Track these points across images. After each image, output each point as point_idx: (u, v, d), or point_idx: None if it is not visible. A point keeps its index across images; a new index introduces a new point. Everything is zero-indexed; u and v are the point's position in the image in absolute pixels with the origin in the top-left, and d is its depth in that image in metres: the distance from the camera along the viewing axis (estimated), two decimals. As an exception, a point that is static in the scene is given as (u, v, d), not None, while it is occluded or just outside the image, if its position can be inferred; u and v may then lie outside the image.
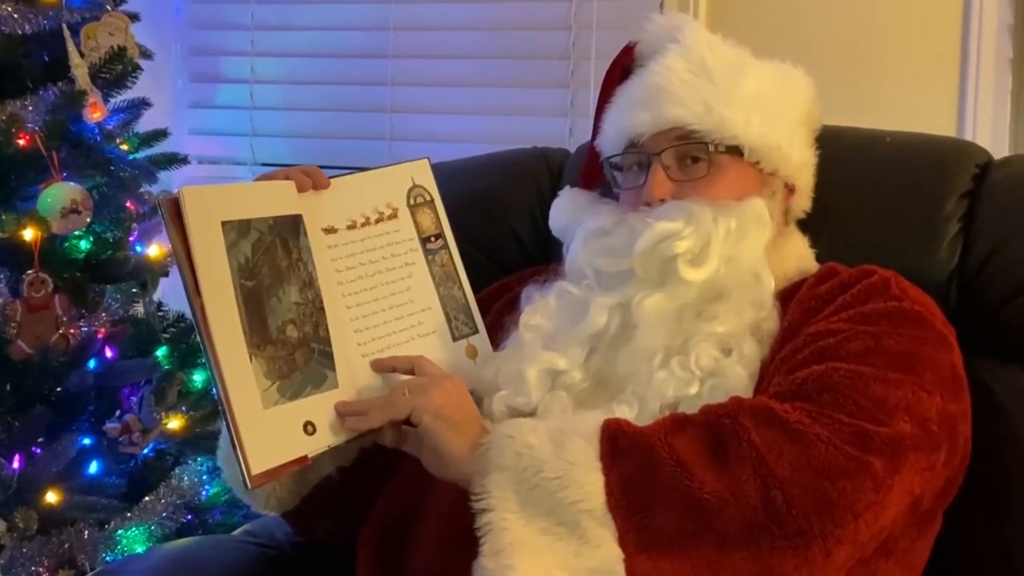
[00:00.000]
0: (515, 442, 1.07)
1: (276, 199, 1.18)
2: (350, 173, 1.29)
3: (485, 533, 1.04)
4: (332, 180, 1.24)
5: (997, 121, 2.13)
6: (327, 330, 1.16)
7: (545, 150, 1.72)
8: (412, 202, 1.30)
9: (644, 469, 1.05)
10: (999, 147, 2.10)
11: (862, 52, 2.17)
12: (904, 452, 1.07)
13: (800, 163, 1.32)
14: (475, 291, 1.34)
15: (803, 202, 1.37)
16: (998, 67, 2.12)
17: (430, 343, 1.25)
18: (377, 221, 1.26)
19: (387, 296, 1.24)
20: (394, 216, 1.28)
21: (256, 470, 1.07)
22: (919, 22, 2.15)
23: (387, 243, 1.26)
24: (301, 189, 1.20)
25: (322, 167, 1.28)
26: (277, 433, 1.10)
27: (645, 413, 1.16)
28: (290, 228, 1.17)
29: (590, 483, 1.05)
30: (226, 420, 1.07)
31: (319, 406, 1.13)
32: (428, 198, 1.31)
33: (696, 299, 1.22)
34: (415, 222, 1.29)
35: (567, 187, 1.42)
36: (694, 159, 1.26)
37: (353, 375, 1.17)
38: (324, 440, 1.13)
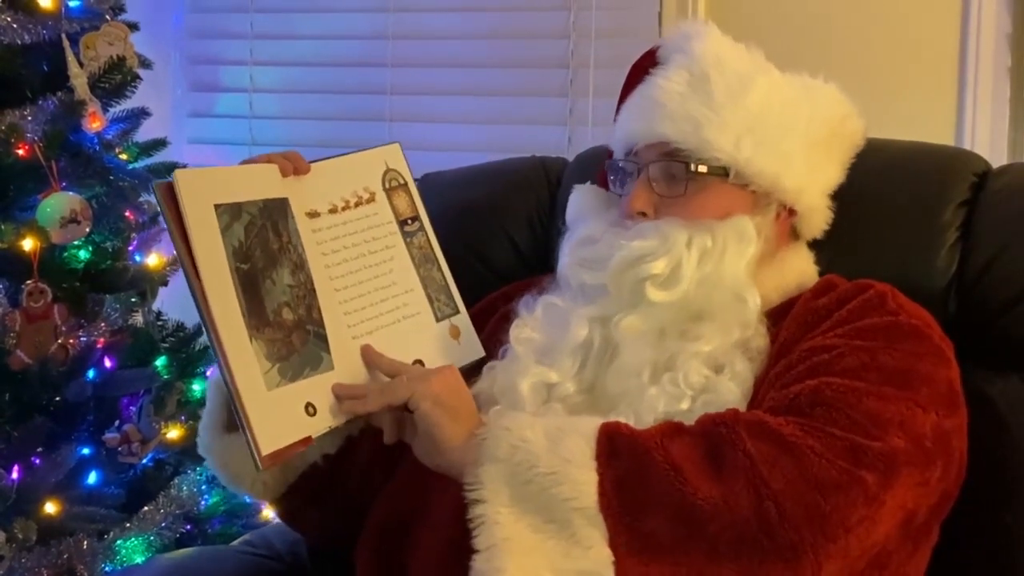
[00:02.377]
0: (511, 435, 1.07)
1: (263, 182, 1.19)
2: (326, 158, 1.28)
3: (478, 525, 1.05)
4: (311, 164, 1.25)
5: (995, 129, 2.13)
6: (320, 312, 1.17)
7: (544, 159, 1.72)
8: (387, 185, 1.31)
9: (638, 471, 1.05)
10: (997, 155, 2.10)
11: (861, 60, 2.17)
12: (897, 467, 1.06)
13: (798, 187, 1.30)
14: (473, 301, 1.34)
15: (813, 225, 1.35)
16: (996, 76, 2.12)
17: (415, 324, 1.26)
18: (356, 205, 1.27)
19: (371, 279, 1.24)
20: (372, 200, 1.28)
21: (265, 451, 1.08)
22: (918, 31, 2.16)
23: (367, 226, 1.27)
24: (284, 173, 1.21)
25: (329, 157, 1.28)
26: (282, 414, 1.11)
27: (639, 427, 1.15)
28: (279, 211, 1.18)
29: (584, 481, 1.04)
30: (233, 403, 1.08)
31: (318, 388, 1.14)
32: (402, 181, 1.32)
33: (675, 319, 1.22)
34: (392, 205, 1.30)
35: (587, 183, 1.43)
36: (676, 176, 1.26)
37: (347, 357, 1.18)
38: (325, 421, 1.14)
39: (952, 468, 1.15)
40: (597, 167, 1.45)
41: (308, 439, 1.12)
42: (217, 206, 1.12)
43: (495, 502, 1.05)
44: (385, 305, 1.25)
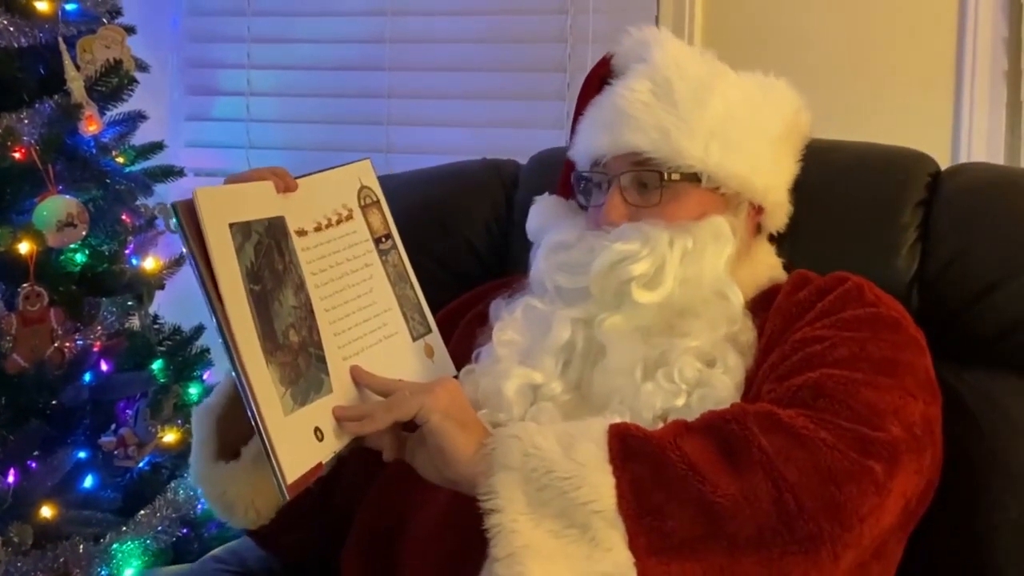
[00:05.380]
0: (522, 442, 1.06)
1: (265, 200, 1.17)
2: (305, 175, 1.26)
3: (494, 535, 1.03)
4: (297, 181, 1.22)
5: (992, 133, 2.13)
6: (319, 333, 1.15)
7: (496, 161, 1.73)
8: (363, 203, 1.29)
9: (655, 472, 1.05)
10: (994, 159, 2.10)
11: (857, 64, 2.17)
12: (900, 456, 1.08)
13: (766, 186, 1.32)
14: (436, 305, 1.33)
15: (776, 219, 1.38)
16: (993, 79, 2.13)
17: (395, 344, 1.25)
18: (338, 222, 1.25)
19: (355, 298, 1.22)
20: (350, 217, 1.27)
21: (291, 479, 1.05)
22: (914, 35, 2.16)
23: (348, 244, 1.25)
24: (277, 190, 1.19)
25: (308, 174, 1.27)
26: (298, 440, 1.08)
27: (638, 423, 1.15)
28: (280, 230, 1.16)
29: (601, 484, 1.04)
30: (258, 429, 1.05)
31: (322, 411, 1.12)
32: (375, 198, 1.31)
33: (659, 318, 1.23)
34: (367, 223, 1.28)
35: (547, 193, 1.43)
36: (648, 184, 1.27)
37: (341, 379, 1.16)
38: (331, 446, 1.12)
39: (936, 456, 1.17)
40: (554, 171, 1.45)
41: (320, 466, 1.10)
42: (231, 225, 1.10)
43: (511, 510, 1.04)
44: (368, 325, 1.23)
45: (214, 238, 1.07)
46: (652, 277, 1.22)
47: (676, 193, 1.27)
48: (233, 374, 1.06)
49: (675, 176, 1.26)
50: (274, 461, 1.04)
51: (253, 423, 1.05)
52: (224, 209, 1.10)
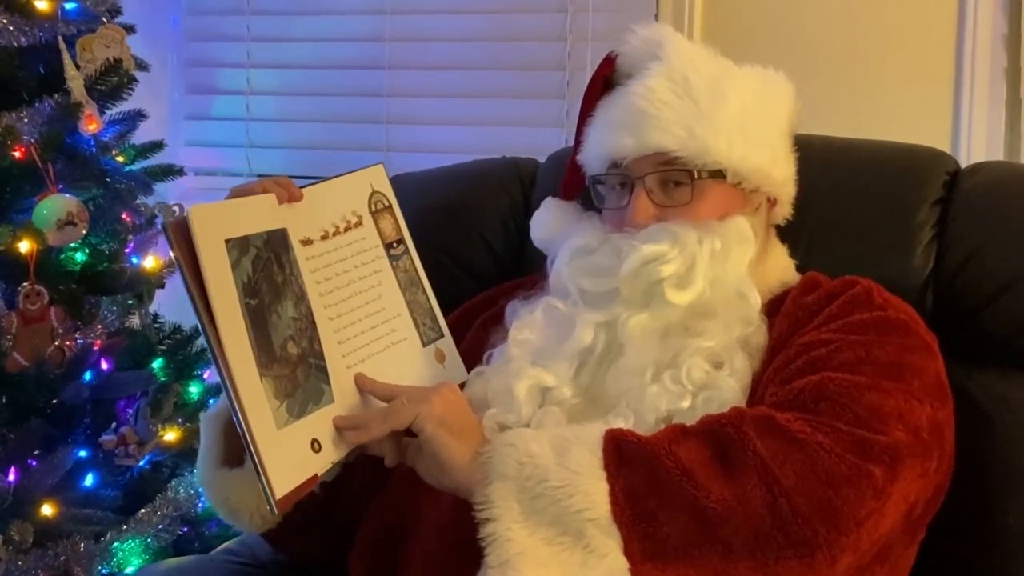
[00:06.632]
0: (517, 451, 1.07)
1: (265, 214, 1.17)
2: (314, 182, 1.26)
3: (489, 543, 1.04)
4: (303, 191, 1.22)
5: (991, 131, 2.13)
6: (320, 344, 1.15)
7: (516, 160, 1.72)
8: (373, 208, 1.29)
9: (649, 478, 1.05)
10: (994, 157, 2.10)
11: (857, 62, 2.17)
12: (901, 460, 1.08)
13: (783, 178, 1.33)
14: (452, 304, 1.33)
15: (784, 210, 1.38)
16: (992, 77, 2.12)
17: (404, 350, 1.25)
18: (346, 230, 1.25)
19: (362, 305, 1.22)
20: (360, 224, 1.27)
21: (280, 494, 1.05)
22: (914, 32, 2.16)
23: (356, 251, 1.25)
24: (279, 201, 1.19)
25: (318, 179, 1.27)
26: (291, 454, 1.08)
27: (641, 426, 1.16)
28: (281, 243, 1.16)
29: (595, 492, 1.04)
30: (246, 444, 1.05)
31: (321, 422, 1.12)
32: (387, 203, 1.31)
33: (682, 317, 1.23)
34: (378, 228, 1.28)
35: (548, 198, 1.42)
36: (677, 184, 1.26)
37: (344, 388, 1.16)
38: (329, 456, 1.11)
39: (945, 459, 1.17)
40: (556, 179, 1.44)
41: (315, 477, 1.10)
42: (227, 241, 1.09)
43: (506, 519, 1.04)
44: (375, 332, 1.23)
45: (208, 255, 1.07)
46: (683, 276, 1.22)
47: (703, 191, 1.26)
48: (223, 390, 1.06)
49: (704, 174, 1.26)
50: (263, 477, 1.04)
51: (243, 439, 1.05)
52: (219, 225, 1.10)
